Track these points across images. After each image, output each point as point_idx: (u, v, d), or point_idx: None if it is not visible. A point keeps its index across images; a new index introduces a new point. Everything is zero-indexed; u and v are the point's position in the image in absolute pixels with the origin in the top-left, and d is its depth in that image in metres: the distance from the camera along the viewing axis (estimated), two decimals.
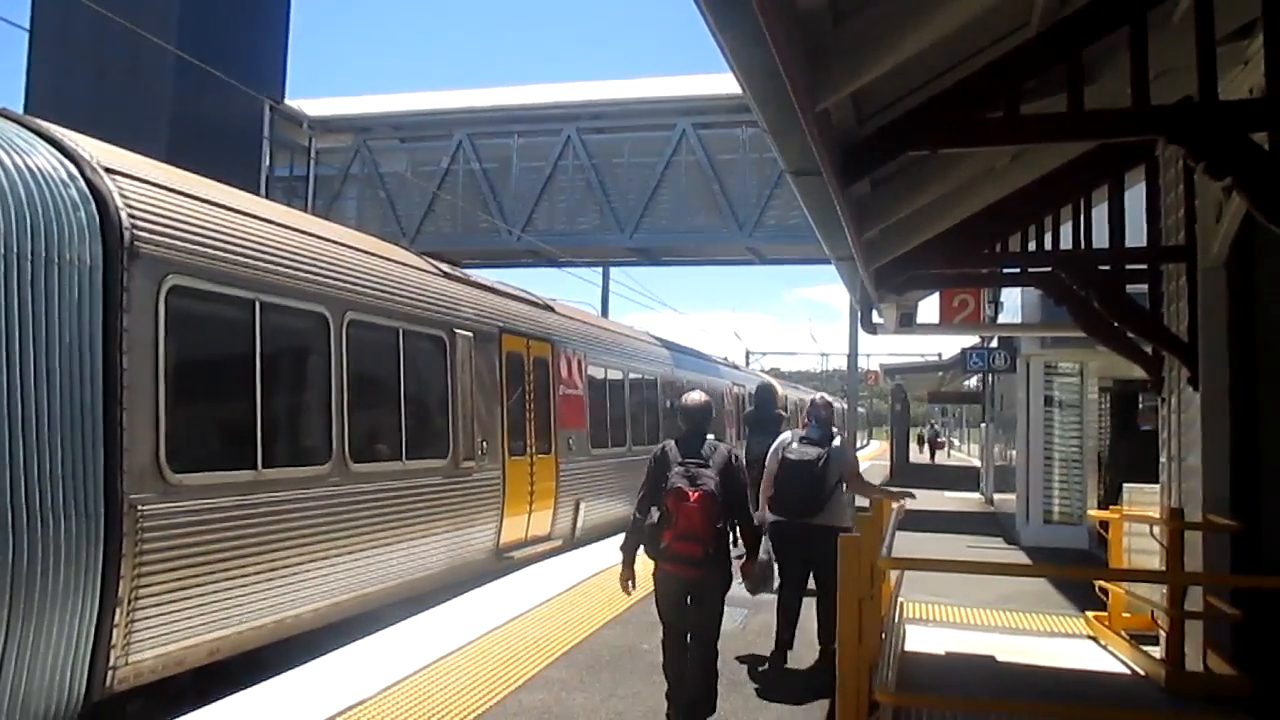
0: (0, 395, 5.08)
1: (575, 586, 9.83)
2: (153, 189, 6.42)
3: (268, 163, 24.16)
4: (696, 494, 5.52)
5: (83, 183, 5.82)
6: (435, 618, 8.20)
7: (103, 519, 5.60)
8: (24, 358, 5.22)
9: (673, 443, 5.85)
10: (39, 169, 5.61)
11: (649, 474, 5.81)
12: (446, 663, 6.85)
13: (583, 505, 13.54)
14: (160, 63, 20.14)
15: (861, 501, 8.42)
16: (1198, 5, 4.46)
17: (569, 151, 22.90)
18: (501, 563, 10.83)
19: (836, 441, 7.53)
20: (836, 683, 4.72)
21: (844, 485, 7.54)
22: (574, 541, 13.05)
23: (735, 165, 22.01)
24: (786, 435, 7.82)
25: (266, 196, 19.58)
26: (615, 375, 16.07)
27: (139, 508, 5.83)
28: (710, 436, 5.89)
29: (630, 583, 5.95)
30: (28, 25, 21.35)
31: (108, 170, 6.07)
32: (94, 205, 5.80)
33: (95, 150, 6.22)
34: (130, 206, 6.04)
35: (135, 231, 6.00)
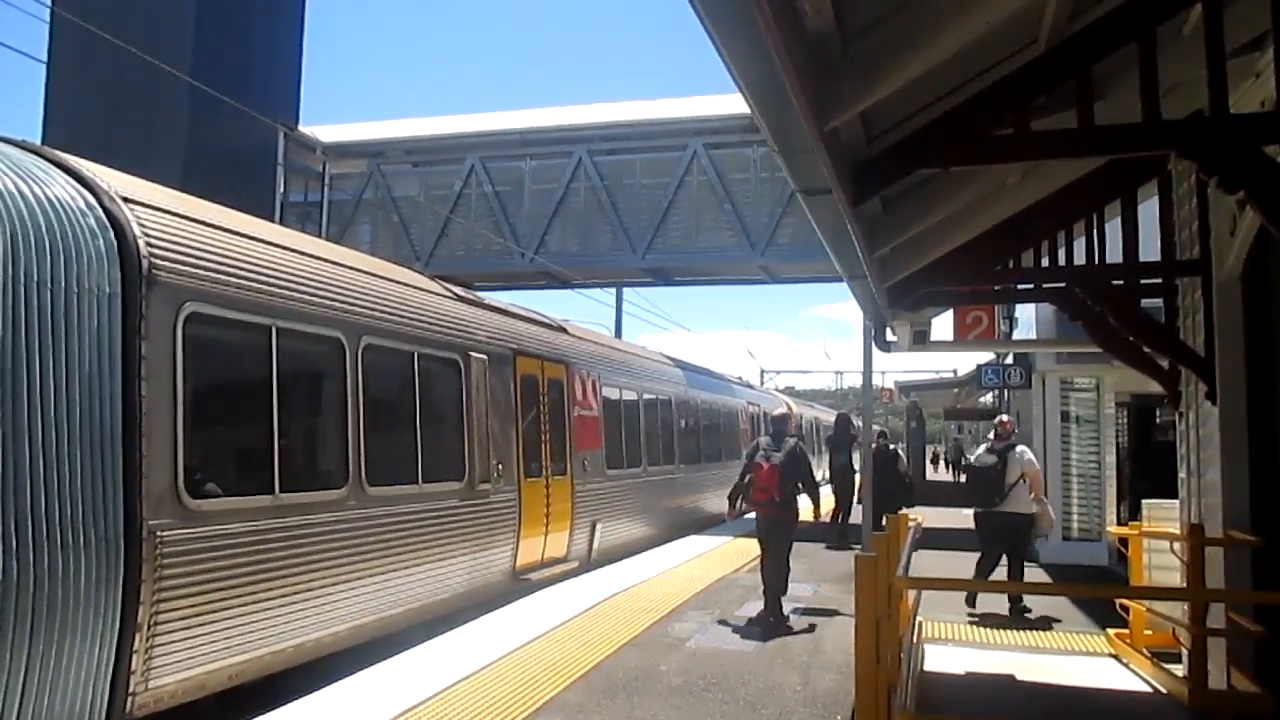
0: (21, 422, 5.13)
1: (592, 609, 9.80)
2: (170, 217, 6.49)
3: (282, 188, 24.37)
4: (767, 466, 9.70)
5: (101, 212, 5.89)
6: (451, 641, 8.18)
7: (122, 545, 5.62)
8: (44, 385, 5.27)
9: (766, 438, 10.08)
10: (58, 198, 5.68)
11: (747, 455, 10.17)
12: (463, 686, 6.83)
13: (599, 526, 13.51)
14: (175, 91, 20.40)
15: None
16: (1207, 19, 4.45)
17: (581, 173, 23.00)
18: (518, 584, 10.81)
19: (1017, 450, 10.38)
20: (855, 704, 4.68)
21: (1024, 482, 10.16)
22: (590, 563, 13.01)
23: (747, 184, 22.07)
24: (981, 447, 10.99)
25: (281, 222, 19.80)
26: (630, 396, 16.07)
27: (158, 534, 5.86)
28: (789, 436, 10.08)
29: (731, 513, 10.65)
30: (45, 57, 21.66)
31: (125, 199, 6.14)
32: (112, 234, 5.87)
33: (113, 179, 6.29)
34: (148, 235, 6.10)
35: (153, 259, 6.06)
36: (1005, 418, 11.35)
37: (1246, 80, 5.81)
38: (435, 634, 8.42)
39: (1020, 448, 10.54)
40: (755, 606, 10.00)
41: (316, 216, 24.53)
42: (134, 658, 5.67)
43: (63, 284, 5.45)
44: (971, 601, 10.30)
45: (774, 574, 9.60)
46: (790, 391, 58.01)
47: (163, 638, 5.89)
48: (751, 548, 15.04)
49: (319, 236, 18.47)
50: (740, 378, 30.15)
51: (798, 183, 5.24)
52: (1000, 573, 10.48)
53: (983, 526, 10.53)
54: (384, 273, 9.31)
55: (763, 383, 53.84)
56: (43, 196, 5.60)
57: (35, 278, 5.31)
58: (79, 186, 5.95)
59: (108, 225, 5.87)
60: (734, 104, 18.02)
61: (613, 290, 29.69)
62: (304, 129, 25.00)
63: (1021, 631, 9.34)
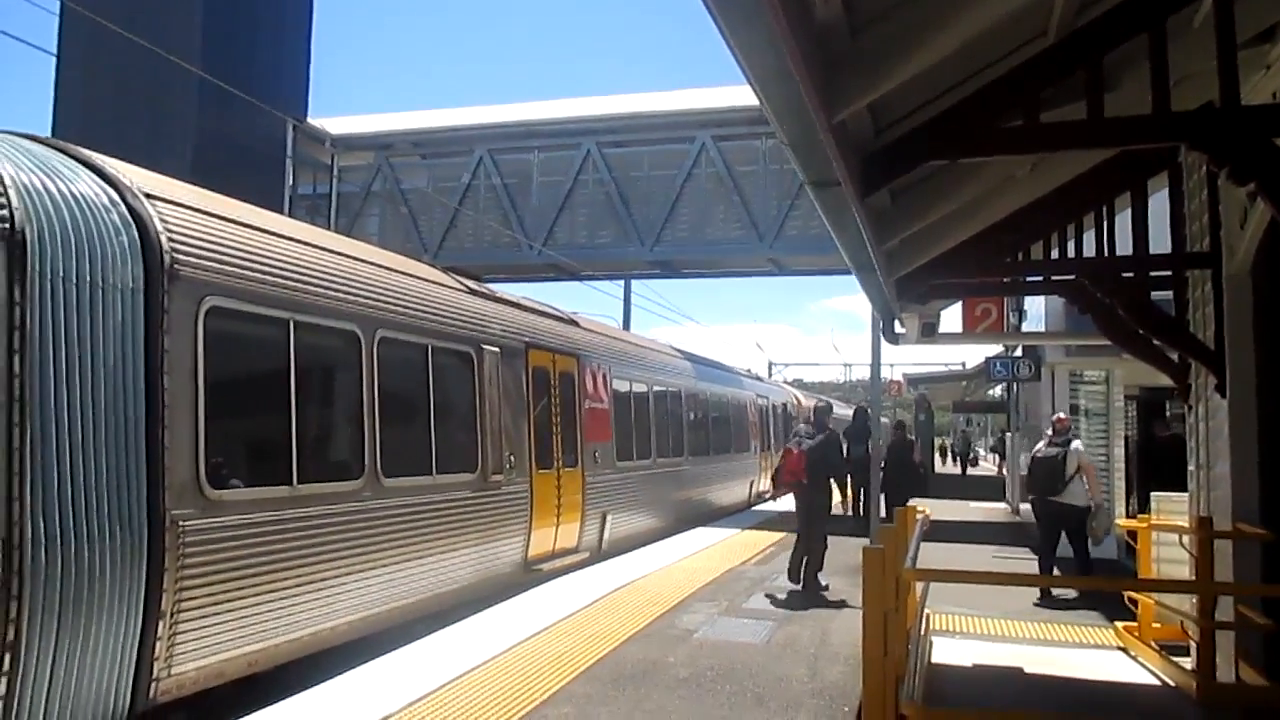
0: (50, 415, 5.26)
1: (599, 601, 9.81)
2: (191, 213, 6.62)
3: (291, 181, 24.38)
4: (796, 452, 10.91)
5: (124, 208, 6.03)
6: (460, 632, 8.20)
7: (146, 534, 5.77)
8: (70, 378, 5.40)
9: (806, 425, 11.40)
10: (83, 195, 5.81)
11: (788, 442, 11.47)
12: (470, 678, 6.85)
13: (609, 518, 13.59)
14: (185, 83, 20.45)
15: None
16: (1218, 10, 4.43)
17: (589, 165, 22.95)
18: (529, 575, 10.89)
19: (1074, 445, 11.12)
20: (862, 696, 4.69)
21: (1082, 476, 10.84)
22: (601, 554, 13.09)
23: (755, 176, 22.00)
24: (1041, 443, 11.60)
25: (290, 214, 19.81)
26: (640, 388, 16.15)
27: (180, 523, 5.99)
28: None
29: (775, 492, 13.17)
30: (55, 49, 21.72)
31: (148, 196, 6.26)
32: (135, 230, 6.00)
33: (135, 176, 6.41)
34: (170, 230, 6.23)
35: (175, 254, 6.20)
36: (1062, 415, 12.15)
37: (1257, 72, 5.79)
38: (446, 624, 8.46)
39: (1076, 443, 11.35)
40: (762, 598, 10.12)
41: (325, 209, 24.54)
42: (157, 644, 5.81)
43: (88, 279, 5.58)
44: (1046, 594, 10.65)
45: (811, 550, 10.72)
46: (799, 384, 57.94)
47: (185, 625, 6.01)
48: (758, 540, 15.16)
49: (327, 228, 18.51)
50: (749, 370, 30.14)
51: (806, 175, 5.23)
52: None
53: (1042, 515, 11.28)
54: (399, 266, 9.40)
55: (771, 375, 53.75)
56: (69, 193, 5.73)
57: (62, 273, 5.43)
58: (103, 183, 6.07)
59: (131, 221, 6.00)
60: (742, 95, 17.99)
61: (620, 282, 29.65)
62: (312, 121, 25.00)
63: (1030, 623, 9.34)
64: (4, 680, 4.99)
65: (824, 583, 10.58)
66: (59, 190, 5.66)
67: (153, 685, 5.81)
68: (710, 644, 8.10)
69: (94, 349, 5.55)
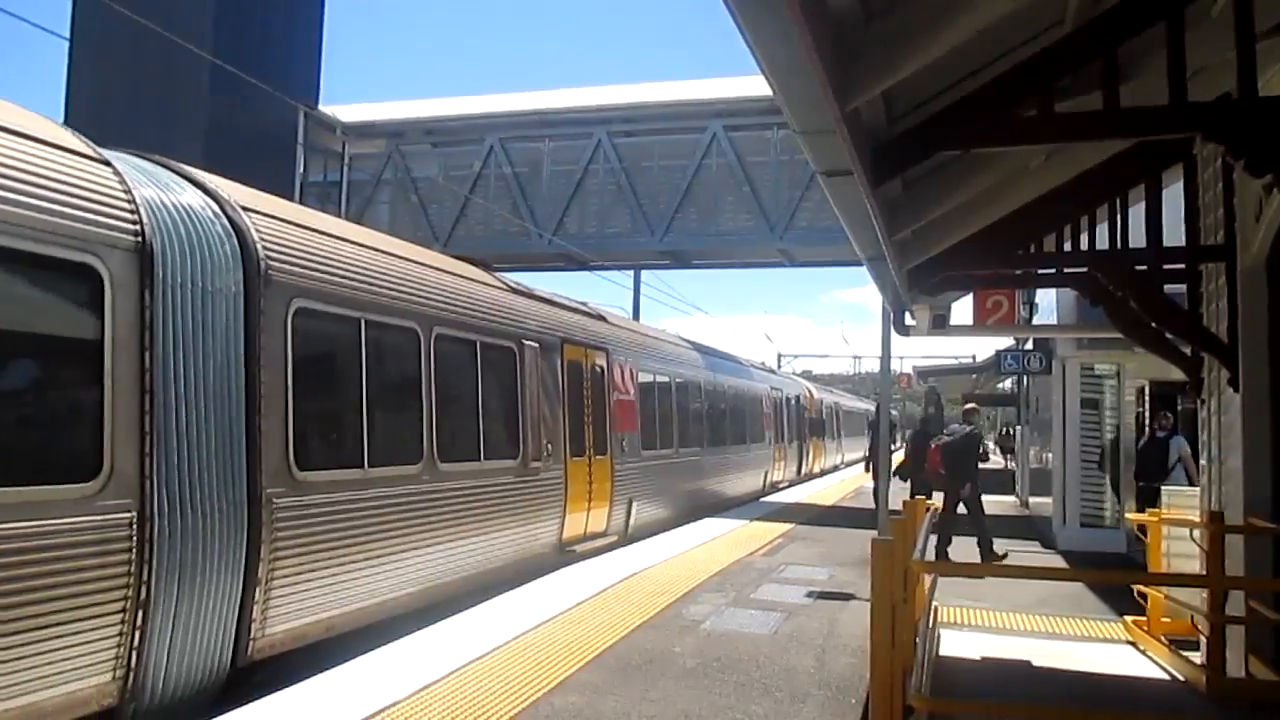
0: (171, 404, 5.93)
1: (607, 590, 9.82)
2: (280, 223, 7.35)
3: (302, 168, 24.41)
4: (934, 446, 12.79)
5: (226, 220, 6.72)
6: (470, 619, 8.24)
7: (246, 510, 6.49)
8: (187, 373, 6.09)
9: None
10: (193, 209, 6.46)
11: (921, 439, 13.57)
12: (484, 663, 6.87)
13: (635, 504, 14.14)
14: (196, 70, 20.46)
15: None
16: (1236, 0, 4.38)
17: (600, 155, 22.93)
18: (564, 556, 11.52)
19: (1176, 439, 12.92)
20: (870, 687, 4.68)
21: (1183, 463, 12.60)
22: (627, 538, 13.59)
23: (766, 167, 21.95)
24: (1147, 433, 13.90)
25: (300, 202, 19.84)
26: (663, 380, 16.66)
27: (274, 501, 6.73)
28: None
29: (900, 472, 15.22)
30: (68, 35, 21.74)
31: (244, 208, 6.96)
32: (235, 240, 6.69)
33: (233, 191, 7.13)
34: (264, 239, 6.92)
35: (269, 261, 6.91)
36: (1166, 413, 14.05)
37: (1275, 63, 5.73)
38: (467, 607, 8.68)
39: (1178, 437, 13.13)
40: (771, 589, 10.16)
41: (336, 196, 24.57)
42: (254, 607, 6.53)
43: (200, 285, 6.28)
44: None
45: (979, 531, 12.40)
46: (808, 375, 57.88)
47: (276, 591, 6.73)
48: (767, 531, 15.19)
49: (338, 217, 18.51)
50: (763, 364, 30.22)
51: (818, 164, 5.20)
52: None
53: (1143, 498, 12.72)
54: (450, 268, 10.13)
55: (780, 366, 53.69)
56: (182, 207, 6.37)
57: (180, 280, 6.10)
58: (206, 197, 6.74)
59: (232, 232, 6.70)
60: (754, 85, 17.92)
61: (629, 273, 29.61)
62: (324, 109, 25.04)
63: (1039, 616, 9.31)
64: (138, 634, 5.64)
65: (1000, 551, 12.20)
66: (175, 205, 6.30)
67: (250, 644, 6.52)
68: (718, 634, 8.10)
69: (205, 346, 6.25)
